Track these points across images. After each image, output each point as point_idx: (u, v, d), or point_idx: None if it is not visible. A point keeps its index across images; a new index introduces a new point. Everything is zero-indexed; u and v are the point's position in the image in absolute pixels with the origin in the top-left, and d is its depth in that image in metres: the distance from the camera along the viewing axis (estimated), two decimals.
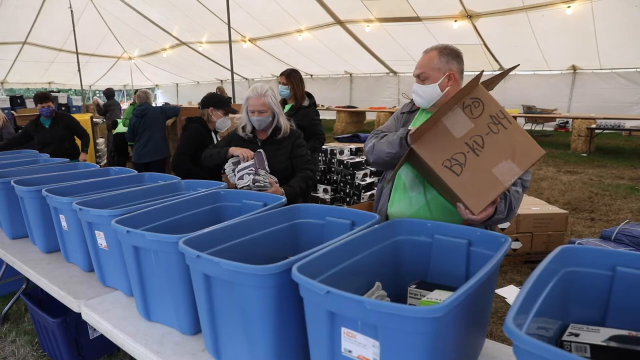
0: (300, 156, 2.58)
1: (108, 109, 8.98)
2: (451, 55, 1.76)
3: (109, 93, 9.98)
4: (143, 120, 5.41)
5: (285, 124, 2.55)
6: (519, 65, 1.82)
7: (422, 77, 1.77)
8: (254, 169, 2.33)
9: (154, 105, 5.74)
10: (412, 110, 1.96)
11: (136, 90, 7.18)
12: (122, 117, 7.71)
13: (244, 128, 2.56)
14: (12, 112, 13.30)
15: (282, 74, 3.66)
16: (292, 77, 3.61)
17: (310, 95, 3.74)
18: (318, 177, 4.89)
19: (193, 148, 3.19)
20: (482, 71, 1.49)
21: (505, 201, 1.59)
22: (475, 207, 1.41)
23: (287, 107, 3.63)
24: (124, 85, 21.91)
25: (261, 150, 2.43)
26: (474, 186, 1.40)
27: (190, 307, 1.39)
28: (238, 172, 2.36)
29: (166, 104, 14.87)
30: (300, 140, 2.62)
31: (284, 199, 1.76)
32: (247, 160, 2.38)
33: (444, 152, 1.34)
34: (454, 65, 1.76)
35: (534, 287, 0.92)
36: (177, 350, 1.37)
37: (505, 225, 3.77)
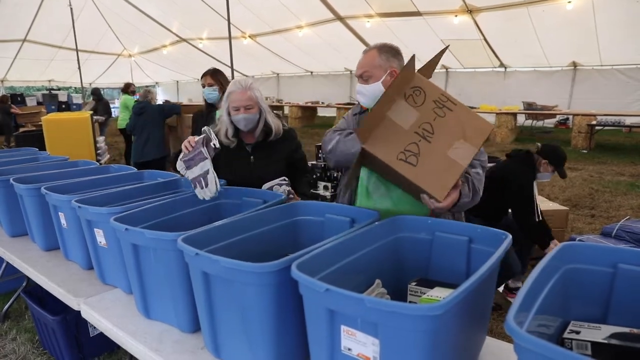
0: (301, 159, 2.37)
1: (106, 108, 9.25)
2: (390, 52, 1.78)
3: (97, 92, 10.55)
4: (141, 117, 5.39)
5: (275, 123, 2.19)
6: (449, 45, 1.75)
7: (364, 77, 1.76)
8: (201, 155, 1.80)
9: (154, 103, 5.71)
10: (362, 111, 1.93)
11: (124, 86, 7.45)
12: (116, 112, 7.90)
13: (226, 133, 2.15)
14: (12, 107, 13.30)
15: (206, 74, 3.11)
16: (219, 75, 3.11)
17: None
18: (318, 175, 4.89)
19: None
20: (414, 55, 1.44)
21: (468, 184, 1.60)
22: (440, 194, 1.39)
23: (218, 113, 2.79)
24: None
25: (205, 129, 1.90)
26: (433, 173, 1.38)
27: (189, 304, 1.39)
28: (187, 168, 1.81)
29: (166, 101, 14.94)
30: (299, 141, 2.37)
31: (284, 196, 1.75)
32: (191, 152, 1.81)
33: (397, 145, 1.33)
34: (395, 62, 1.77)
35: (535, 284, 0.91)
36: (176, 347, 1.37)
37: None
